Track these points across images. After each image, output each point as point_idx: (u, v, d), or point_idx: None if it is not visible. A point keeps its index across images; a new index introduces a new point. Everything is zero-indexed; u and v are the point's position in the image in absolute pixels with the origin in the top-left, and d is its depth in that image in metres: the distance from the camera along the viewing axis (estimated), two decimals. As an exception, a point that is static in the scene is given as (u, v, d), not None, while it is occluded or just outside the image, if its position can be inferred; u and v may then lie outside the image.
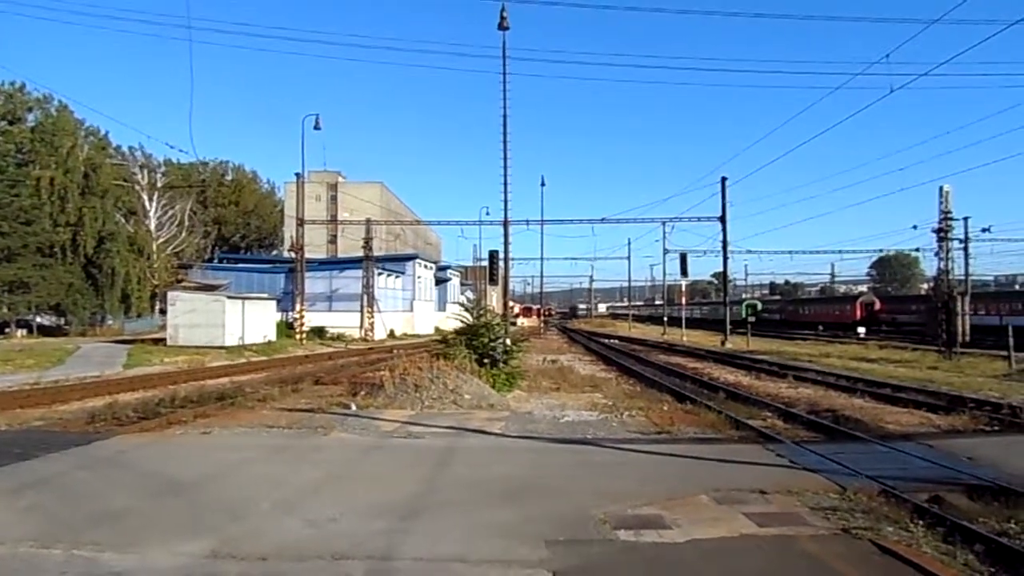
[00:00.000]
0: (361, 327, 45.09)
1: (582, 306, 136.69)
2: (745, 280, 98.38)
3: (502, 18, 18.57)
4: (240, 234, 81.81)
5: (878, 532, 5.68)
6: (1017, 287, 67.11)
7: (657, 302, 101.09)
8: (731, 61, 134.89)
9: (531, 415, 12.83)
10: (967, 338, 27.55)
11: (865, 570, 4.93)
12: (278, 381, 18.50)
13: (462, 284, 77.07)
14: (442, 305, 65.43)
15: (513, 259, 44.41)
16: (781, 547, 5.41)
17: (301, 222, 41.36)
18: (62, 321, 44.57)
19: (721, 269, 45.61)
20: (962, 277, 39.92)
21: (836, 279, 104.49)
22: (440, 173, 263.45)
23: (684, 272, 46.41)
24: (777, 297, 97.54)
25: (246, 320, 32.95)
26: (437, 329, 53.26)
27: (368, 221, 47.54)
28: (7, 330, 39.96)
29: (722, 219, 41.84)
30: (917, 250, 50.16)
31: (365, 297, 45.64)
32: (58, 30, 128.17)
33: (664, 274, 60.76)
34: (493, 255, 24.66)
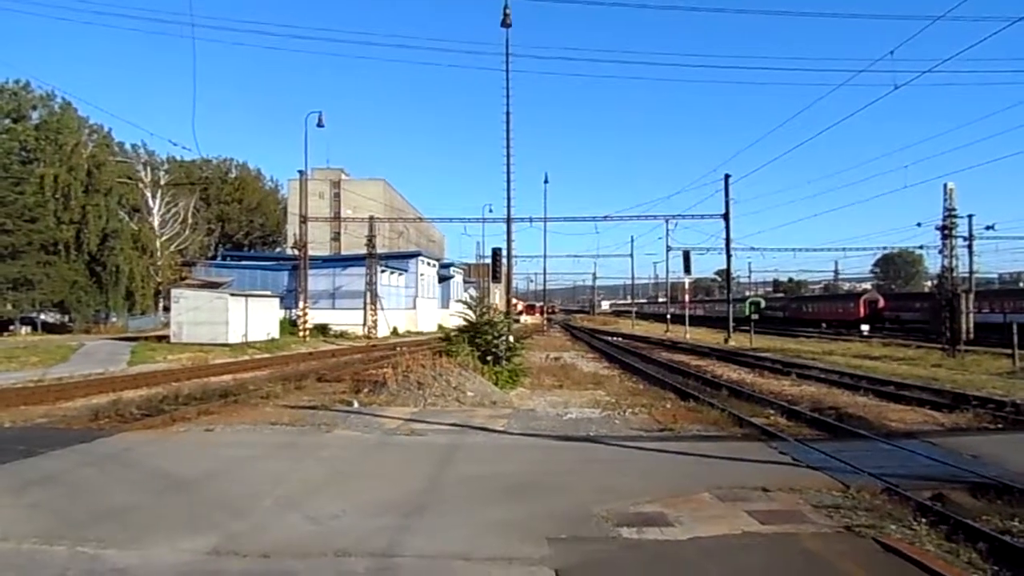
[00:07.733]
0: (364, 324, 45.11)
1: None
2: (748, 277, 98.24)
3: (505, 15, 18.56)
4: (243, 231, 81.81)
5: (881, 530, 5.66)
6: (1021, 284, 66.86)
7: (660, 299, 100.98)
8: (735, 58, 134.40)
9: (534, 412, 12.83)
10: (971, 336, 27.46)
11: (868, 568, 4.91)
12: (281, 378, 18.51)
13: (465, 281, 76.99)
14: (445, 302, 65.38)
15: (516, 256, 44.41)
16: (784, 545, 5.41)
17: (304, 219, 41.42)
18: (66, 318, 44.72)
19: (724, 266, 45.57)
20: (966, 275, 39.67)
21: (839, 276, 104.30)
22: (443, 170, 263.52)
23: (687, 269, 46.49)
24: (780, 295, 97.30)
25: (249, 317, 33.00)
26: (440, 327, 53.21)
27: (371, 218, 47.60)
28: (11, 327, 40.09)
29: (725, 216, 41.84)
30: (921, 247, 50.21)
31: (368, 294, 45.64)
32: (62, 28, 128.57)
33: (667, 271, 60.80)
34: (496, 252, 24.64)
